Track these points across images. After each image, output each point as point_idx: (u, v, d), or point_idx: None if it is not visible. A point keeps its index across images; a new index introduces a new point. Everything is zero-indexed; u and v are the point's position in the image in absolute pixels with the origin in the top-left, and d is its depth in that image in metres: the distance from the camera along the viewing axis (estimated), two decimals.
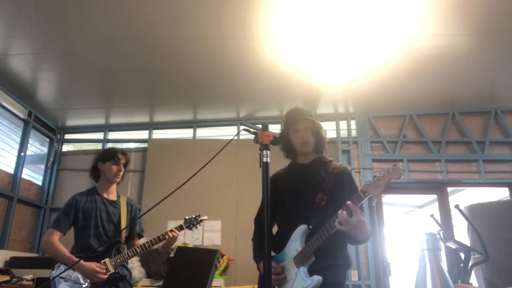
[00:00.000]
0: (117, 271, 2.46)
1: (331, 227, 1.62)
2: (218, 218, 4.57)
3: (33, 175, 4.86)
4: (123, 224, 2.61)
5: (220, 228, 4.51)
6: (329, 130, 5.14)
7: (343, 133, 5.13)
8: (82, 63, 3.86)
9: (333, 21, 3.20)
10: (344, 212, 1.57)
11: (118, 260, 2.47)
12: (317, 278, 1.64)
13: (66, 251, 2.40)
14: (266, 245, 1.48)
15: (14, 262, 3.87)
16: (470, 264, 3.35)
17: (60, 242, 2.44)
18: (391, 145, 4.99)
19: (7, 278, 3.51)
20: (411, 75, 4.13)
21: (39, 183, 4.95)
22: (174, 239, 2.53)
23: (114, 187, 2.70)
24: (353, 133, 5.10)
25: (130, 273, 2.63)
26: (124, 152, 2.69)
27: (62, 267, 2.38)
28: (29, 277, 3.58)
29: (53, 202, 4.96)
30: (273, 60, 3.77)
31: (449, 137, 5.00)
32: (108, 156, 2.63)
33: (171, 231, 2.52)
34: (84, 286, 2.34)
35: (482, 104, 4.99)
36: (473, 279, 3.63)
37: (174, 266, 2.81)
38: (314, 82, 4.16)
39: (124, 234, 2.62)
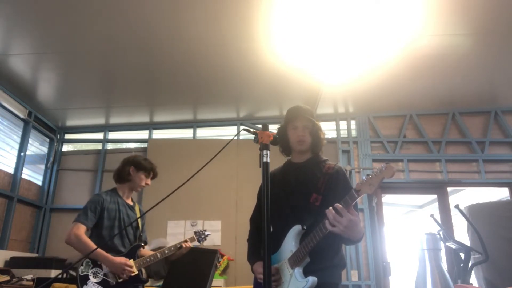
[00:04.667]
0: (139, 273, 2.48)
1: (325, 228, 1.61)
2: (218, 218, 4.57)
3: (33, 175, 4.85)
4: (140, 228, 2.68)
5: (220, 228, 4.51)
6: (329, 130, 5.14)
7: (343, 133, 5.13)
8: (82, 63, 3.86)
9: (333, 21, 3.20)
10: (333, 211, 1.56)
11: (141, 263, 2.48)
12: (312, 279, 1.63)
13: (95, 246, 2.35)
14: (266, 245, 1.48)
15: (14, 262, 3.87)
16: (470, 264, 3.35)
17: None
18: (391, 145, 4.99)
19: (7, 278, 3.51)
20: (411, 75, 4.13)
21: (39, 183, 4.95)
22: (188, 249, 2.66)
23: (132, 193, 2.77)
24: (353, 133, 5.10)
25: (147, 279, 2.69)
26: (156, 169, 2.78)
27: (91, 263, 2.35)
28: (29, 277, 3.58)
29: (53, 202, 4.95)
30: (273, 60, 3.77)
31: (449, 137, 5.00)
32: (145, 167, 2.68)
33: (185, 241, 2.66)
34: (113, 283, 2.33)
35: (482, 104, 4.99)
36: (473, 279, 3.64)
37: (174, 266, 2.82)
38: (314, 82, 4.15)
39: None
